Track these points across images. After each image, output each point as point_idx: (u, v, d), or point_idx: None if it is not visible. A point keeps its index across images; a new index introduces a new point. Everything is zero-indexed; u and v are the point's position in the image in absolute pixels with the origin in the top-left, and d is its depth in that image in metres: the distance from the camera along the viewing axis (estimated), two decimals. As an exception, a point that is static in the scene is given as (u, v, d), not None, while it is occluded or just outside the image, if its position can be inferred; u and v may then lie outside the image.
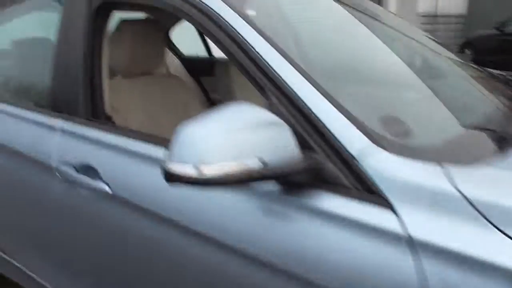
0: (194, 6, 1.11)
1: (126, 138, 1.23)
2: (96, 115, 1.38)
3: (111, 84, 1.50)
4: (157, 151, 1.14)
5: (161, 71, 1.95)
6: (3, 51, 2.00)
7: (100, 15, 1.39)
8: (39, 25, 1.76)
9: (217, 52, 3.28)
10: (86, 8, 1.38)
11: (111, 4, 1.39)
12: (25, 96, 1.76)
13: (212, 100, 3.25)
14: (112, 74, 1.66)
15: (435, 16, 10.46)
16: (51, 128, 1.41)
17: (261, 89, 1.00)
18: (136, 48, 1.64)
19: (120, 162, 1.22)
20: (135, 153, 1.19)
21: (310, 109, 0.93)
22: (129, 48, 1.62)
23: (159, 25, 1.75)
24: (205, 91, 3.30)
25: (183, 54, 3.35)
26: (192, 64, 3.30)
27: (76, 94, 1.38)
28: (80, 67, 1.38)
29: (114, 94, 1.55)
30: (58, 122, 1.40)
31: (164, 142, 1.13)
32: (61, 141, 1.36)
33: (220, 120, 0.84)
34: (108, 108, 1.43)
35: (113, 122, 1.43)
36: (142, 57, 1.68)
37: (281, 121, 0.90)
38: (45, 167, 1.39)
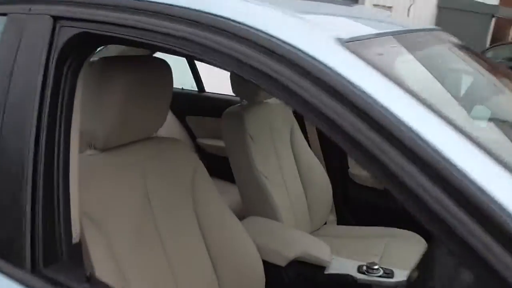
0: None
1: None
2: (53, 251, 0.72)
3: (80, 165, 0.81)
4: None
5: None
6: None
7: (70, 55, 0.73)
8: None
9: (209, 86, 2.62)
10: (45, 42, 0.71)
11: (94, 38, 0.73)
12: None
13: (200, 146, 2.58)
14: (83, 145, 0.99)
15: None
16: None
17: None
18: (129, 104, 0.96)
19: None
20: None
21: None
22: (119, 106, 0.94)
23: (164, 62, 1.08)
24: (190, 134, 2.63)
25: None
26: (176, 99, 2.60)
27: (18, 211, 0.70)
28: (27, 149, 0.72)
29: (84, 185, 0.85)
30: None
31: None
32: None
33: None
34: (75, 228, 0.76)
35: (83, 265, 0.76)
36: (138, 117, 1.00)
37: None
38: None
